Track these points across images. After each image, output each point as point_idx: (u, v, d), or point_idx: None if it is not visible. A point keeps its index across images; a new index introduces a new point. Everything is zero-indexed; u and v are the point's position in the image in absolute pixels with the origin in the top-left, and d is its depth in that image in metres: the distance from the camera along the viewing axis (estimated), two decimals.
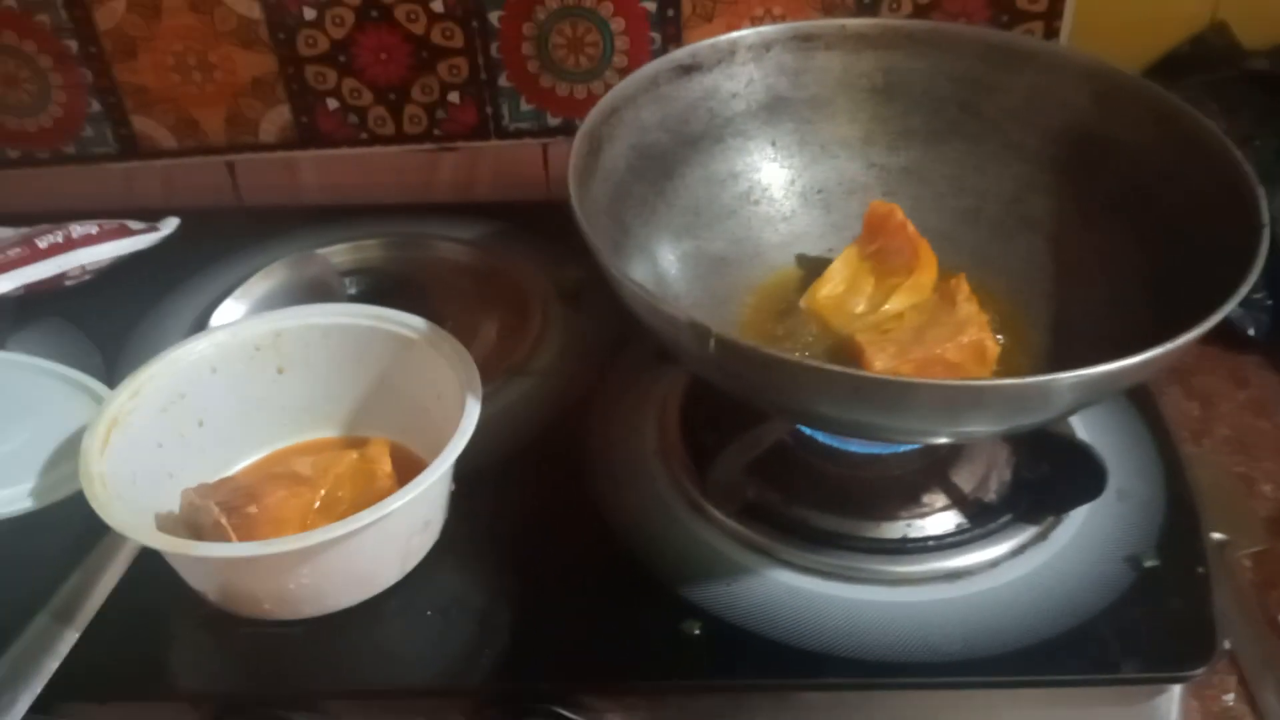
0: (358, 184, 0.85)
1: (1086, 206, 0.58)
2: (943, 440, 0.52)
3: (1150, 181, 0.55)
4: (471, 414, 0.50)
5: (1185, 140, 0.54)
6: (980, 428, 0.45)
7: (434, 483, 0.47)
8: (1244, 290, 0.44)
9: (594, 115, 0.55)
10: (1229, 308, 0.43)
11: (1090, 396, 0.43)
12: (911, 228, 0.57)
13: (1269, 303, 0.75)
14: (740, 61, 0.62)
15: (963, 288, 0.53)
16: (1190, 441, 0.69)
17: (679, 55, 0.60)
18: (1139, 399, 0.62)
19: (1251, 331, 0.75)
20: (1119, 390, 0.46)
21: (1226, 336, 0.75)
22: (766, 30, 0.62)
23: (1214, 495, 0.65)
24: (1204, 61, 0.78)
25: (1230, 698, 0.53)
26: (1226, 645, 0.56)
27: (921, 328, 0.52)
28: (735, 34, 0.61)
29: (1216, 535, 0.61)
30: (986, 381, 0.43)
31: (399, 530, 0.49)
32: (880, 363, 0.50)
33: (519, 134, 0.82)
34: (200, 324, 0.68)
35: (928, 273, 0.56)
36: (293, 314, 0.57)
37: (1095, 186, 0.58)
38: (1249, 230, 0.47)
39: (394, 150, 0.83)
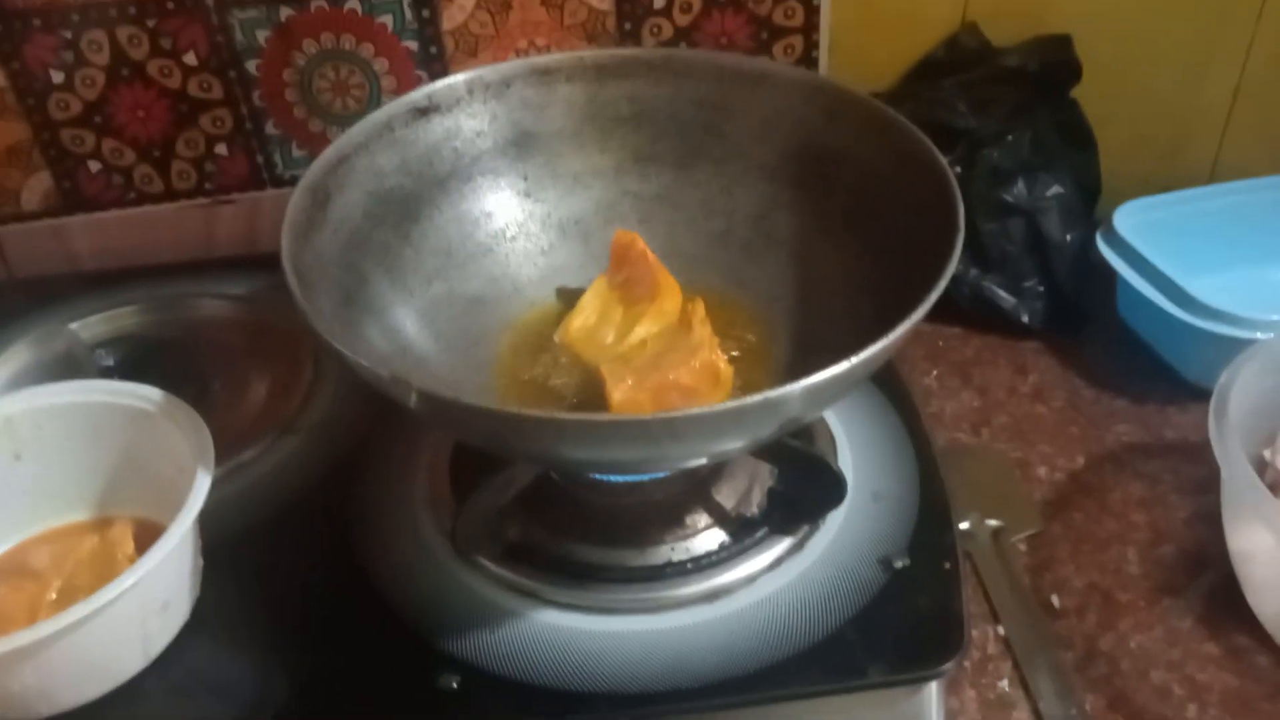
0: (135, 245, 0.82)
1: (825, 221, 0.60)
2: (688, 464, 0.53)
3: (877, 193, 0.57)
4: (200, 489, 0.48)
5: (903, 152, 0.55)
6: (702, 448, 0.46)
7: (162, 563, 0.46)
8: (934, 297, 0.45)
9: (317, 167, 0.54)
10: (914, 320, 0.44)
11: (773, 420, 0.43)
12: (651, 256, 0.57)
13: (1041, 289, 0.78)
14: (480, 100, 0.61)
15: (698, 311, 0.54)
16: (970, 433, 0.71)
17: (414, 98, 0.59)
18: (898, 402, 0.63)
19: (1026, 319, 0.78)
20: (816, 408, 0.47)
21: (1006, 327, 0.78)
22: (504, 67, 0.61)
23: (990, 483, 0.67)
24: (959, 63, 0.80)
25: (1005, 683, 0.54)
26: (1000, 631, 0.57)
27: (660, 354, 0.53)
28: (471, 73, 0.61)
29: (991, 522, 0.63)
30: (662, 415, 0.42)
31: (131, 616, 0.47)
32: (619, 394, 0.50)
33: (295, 181, 0.80)
34: None
35: (670, 299, 0.57)
36: (22, 397, 0.54)
37: (831, 201, 0.59)
38: (953, 232, 0.49)
39: (167, 208, 0.81)
